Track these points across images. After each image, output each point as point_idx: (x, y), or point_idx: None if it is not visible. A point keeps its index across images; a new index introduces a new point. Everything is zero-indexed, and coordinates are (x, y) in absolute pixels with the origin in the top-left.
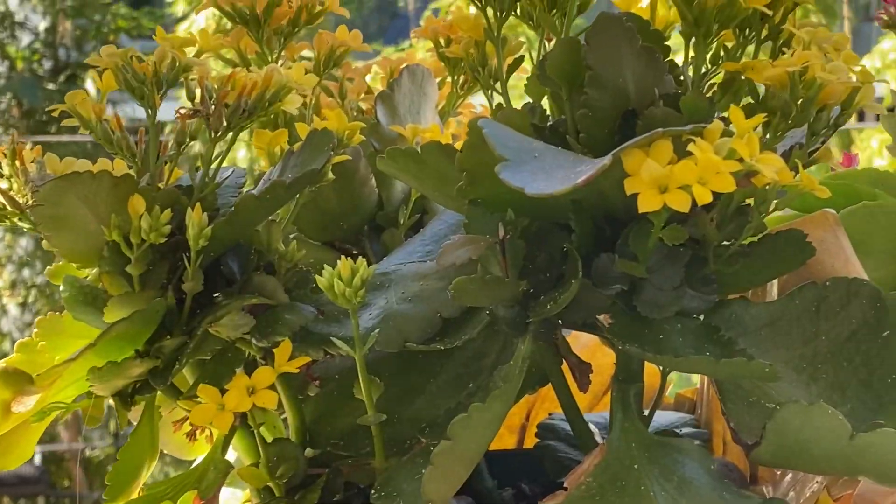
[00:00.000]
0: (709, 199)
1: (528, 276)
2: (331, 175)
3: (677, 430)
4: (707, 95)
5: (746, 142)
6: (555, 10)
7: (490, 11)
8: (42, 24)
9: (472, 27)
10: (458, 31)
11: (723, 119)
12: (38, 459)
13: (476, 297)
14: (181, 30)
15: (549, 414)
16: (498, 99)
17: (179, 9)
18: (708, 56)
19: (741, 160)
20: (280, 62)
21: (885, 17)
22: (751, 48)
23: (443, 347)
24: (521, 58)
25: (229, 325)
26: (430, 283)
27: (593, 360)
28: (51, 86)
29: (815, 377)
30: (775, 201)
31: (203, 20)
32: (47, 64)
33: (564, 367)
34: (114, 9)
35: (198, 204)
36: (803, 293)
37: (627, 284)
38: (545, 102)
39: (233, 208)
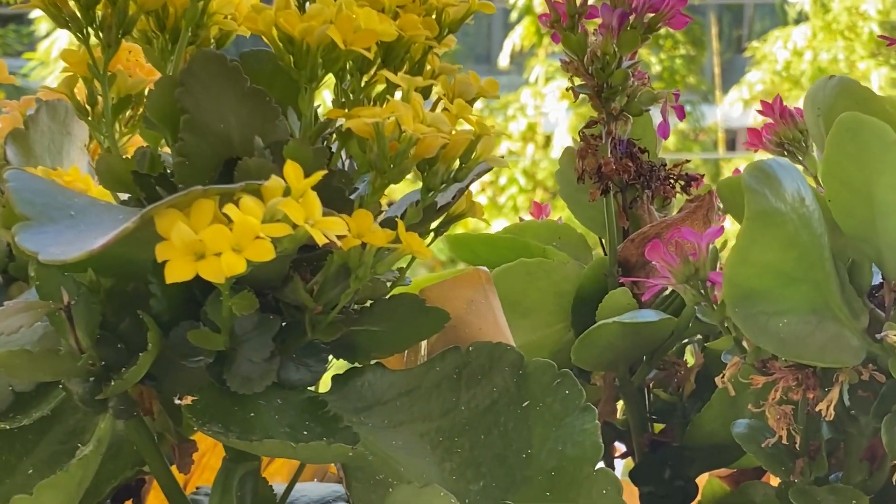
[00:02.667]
0: (242, 268)
1: (108, 346)
2: None
3: None
4: (322, 144)
5: (303, 203)
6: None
7: (96, 44)
8: None
9: (77, 62)
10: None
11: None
12: None
13: (29, 373)
14: (43, 48)
15: (197, 488)
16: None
17: (43, 27)
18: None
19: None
20: None
21: (573, 85)
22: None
23: (8, 426)
24: (130, 98)
25: None
26: None
27: None
28: None
29: (451, 452)
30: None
31: (66, 38)
32: None
33: None
34: None
35: None
36: (445, 359)
37: (213, 356)
38: None
39: None
